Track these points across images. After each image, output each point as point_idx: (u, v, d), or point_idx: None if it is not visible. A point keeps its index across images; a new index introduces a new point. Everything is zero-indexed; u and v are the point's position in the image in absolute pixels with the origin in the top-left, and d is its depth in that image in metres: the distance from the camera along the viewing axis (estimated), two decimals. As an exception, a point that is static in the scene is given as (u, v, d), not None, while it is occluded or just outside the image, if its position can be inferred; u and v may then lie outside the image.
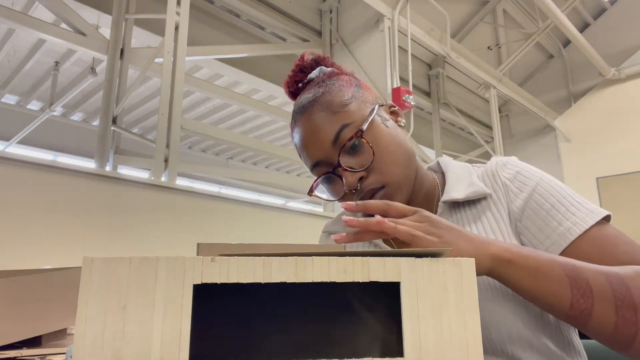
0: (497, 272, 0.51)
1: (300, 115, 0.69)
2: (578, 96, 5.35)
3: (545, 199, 0.62)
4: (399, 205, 0.54)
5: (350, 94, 0.68)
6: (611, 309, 0.49)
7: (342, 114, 0.65)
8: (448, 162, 0.74)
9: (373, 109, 0.67)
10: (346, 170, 0.64)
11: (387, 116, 0.70)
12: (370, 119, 0.65)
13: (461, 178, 0.69)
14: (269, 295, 0.38)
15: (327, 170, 0.67)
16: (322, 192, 0.71)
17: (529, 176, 0.66)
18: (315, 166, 0.68)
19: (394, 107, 0.73)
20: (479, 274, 0.50)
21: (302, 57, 0.77)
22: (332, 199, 0.70)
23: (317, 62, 0.76)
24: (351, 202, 0.54)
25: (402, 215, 0.54)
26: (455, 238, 0.51)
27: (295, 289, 0.38)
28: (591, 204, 0.62)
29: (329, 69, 0.75)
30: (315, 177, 0.70)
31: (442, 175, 0.74)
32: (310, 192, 0.70)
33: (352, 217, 0.53)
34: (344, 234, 0.53)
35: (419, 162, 0.72)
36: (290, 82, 0.77)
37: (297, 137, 0.69)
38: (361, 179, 0.64)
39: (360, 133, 0.64)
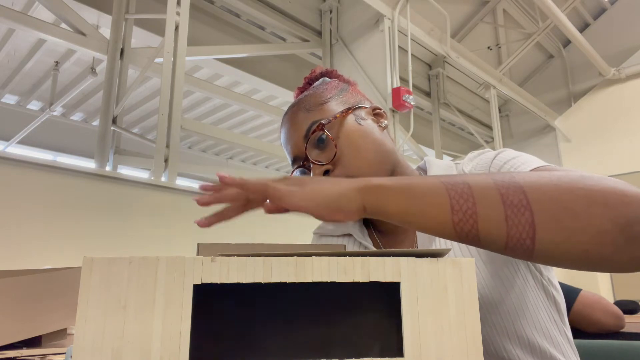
0: (370, 204, 0.45)
1: (284, 116, 0.74)
2: (578, 96, 5.35)
3: (498, 167, 0.62)
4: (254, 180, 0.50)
5: (330, 95, 0.72)
6: (498, 206, 0.43)
7: (315, 112, 0.69)
8: (432, 162, 0.75)
9: (349, 108, 0.70)
10: (313, 162, 0.67)
11: (367, 116, 0.72)
12: (337, 115, 0.68)
13: None
14: (269, 295, 0.38)
15: (300, 164, 0.70)
16: None
17: (485, 160, 0.66)
18: (293, 162, 0.71)
19: (379, 109, 0.75)
20: (355, 212, 0.46)
21: (313, 71, 0.82)
22: None
23: (323, 74, 0.81)
24: (207, 183, 0.50)
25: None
26: (320, 183, 0.47)
27: (295, 289, 0.38)
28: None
29: (331, 79, 0.79)
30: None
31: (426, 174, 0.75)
32: None
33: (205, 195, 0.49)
34: (204, 218, 0.50)
35: (402, 162, 0.73)
36: (298, 94, 0.81)
37: (281, 136, 0.74)
38: (328, 172, 0.67)
39: (321, 126, 0.67)
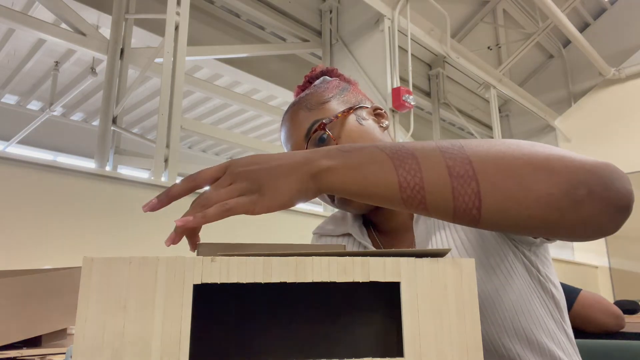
0: (324, 187, 0.46)
1: (284, 115, 0.74)
2: (578, 96, 5.35)
3: None
4: (202, 173, 0.48)
5: (331, 95, 0.72)
6: (444, 179, 0.44)
7: (317, 111, 0.69)
8: None
9: (350, 108, 0.70)
10: None
11: (368, 116, 0.72)
12: (339, 115, 0.68)
13: None
14: (269, 295, 0.38)
15: None
16: None
17: None
18: None
19: (380, 109, 0.75)
20: (314, 197, 0.47)
21: (314, 69, 0.82)
22: None
23: (323, 73, 0.81)
24: (153, 200, 0.48)
25: (212, 180, 0.47)
26: (273, 180, 0.46)
27: (295, 289, 0.38)
28: None
29: (332, 78, 0.79)
30: None
31: None
32: None
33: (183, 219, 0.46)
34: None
35: None
36: (298, 92, 0.81)
37: (281, 135, 0.74)
38: None
39: (323, 125, 0.67)
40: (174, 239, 0.46)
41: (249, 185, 0.46)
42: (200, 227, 0.48)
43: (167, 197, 0.48)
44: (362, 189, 0.46)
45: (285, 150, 0.73)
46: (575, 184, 0.42)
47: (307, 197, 0.47)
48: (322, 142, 0.67)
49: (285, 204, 0.46)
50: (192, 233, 0.49)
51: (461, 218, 0.45)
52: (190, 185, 0.48)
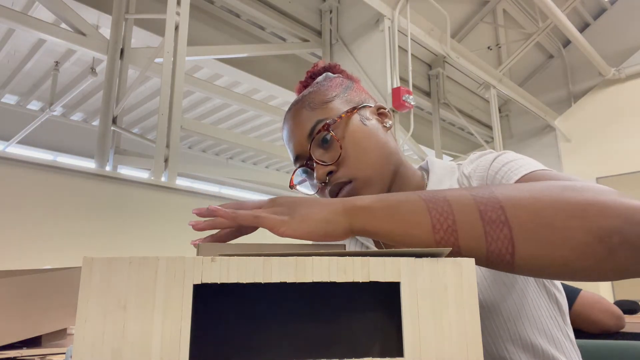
0: (357, 225, 0.46)
1: (287, 113, 0.73)
2: (578, 96, 5.35)
3: (496, 170, 0.62)
4: (247, 203, 0.51)
5: (334, 94, 0.71)
6: (477, 223, 0.44)
7: (320, 110, 0.68)
8: (434, 162, 0.74)
9: (354, 107, 0.69)
10: (317, 162, 0.67)
11: (371, 116, 0.71)
12: (342, 115, 0.67)
13: (443, 180, 0.69)
14: (269, 295, 0.38)
15: (303, 163, 0.70)
16: (305, 187, 0.74)
17: (484, 162, 0.65)
18: (296, 160, 0.71)
19: (383, 109, 0.74)
20: (343, 235, 0.47)
21: (316, 65, 0.80)
22: (311, 192, 0.72)
23: (326, 69, 0.80)
24: (202, 207, 0.51)
25: (255, 206, 0.50)
26: (306, 208, 0.47)
27: (295, 289, 0.38)
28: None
29: (334, 75, 0.77)
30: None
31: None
32: (292, 186, 0.73)
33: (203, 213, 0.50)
34: (200, 239, 0.51)
35: (405, 162, 0.72)
36: (300, 88, 0.80)
37: (283, 133, 0.73)
38: (331, 173, 0.66)
39: (327, 126, 0.66)
40: (199, 223, 0.49)
41: (283, 210, 0.48)
42: (229, 225, 0.49)
43: (213, 211, 0.49)
44: (395, 230, 0.46)
45: (288, 149, 0.73)
46: (610, 231, 0.41)
47: (335, 230, 0.46)
48: (325, 142, 0.66)
49: (312, 232, 0.45)
50: (220, 223, 0.50)
51: (494, 262, 0.44)
52: (232, 215, 0.48)
